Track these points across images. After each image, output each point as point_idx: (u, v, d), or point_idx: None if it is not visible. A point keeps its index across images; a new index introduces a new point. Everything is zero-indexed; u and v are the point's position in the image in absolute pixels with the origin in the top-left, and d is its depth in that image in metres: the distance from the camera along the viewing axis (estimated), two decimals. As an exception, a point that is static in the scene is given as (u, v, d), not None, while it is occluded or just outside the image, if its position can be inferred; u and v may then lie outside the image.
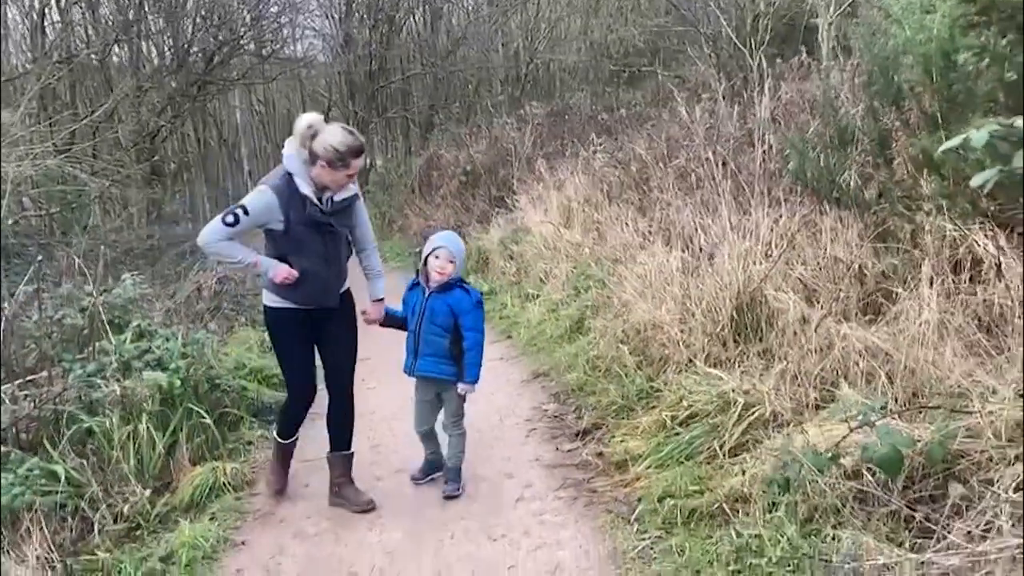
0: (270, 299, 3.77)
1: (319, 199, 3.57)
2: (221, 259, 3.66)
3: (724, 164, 5.73)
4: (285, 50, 19.08)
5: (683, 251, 5.19)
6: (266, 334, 4.38)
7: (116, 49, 13.58)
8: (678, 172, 6.60)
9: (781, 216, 4.56)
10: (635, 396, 4.44)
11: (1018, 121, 1.89)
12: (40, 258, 5.15)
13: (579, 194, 8.15)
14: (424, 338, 3.80)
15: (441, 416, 4.03)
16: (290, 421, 4.06)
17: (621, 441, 4.11)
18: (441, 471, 4.09)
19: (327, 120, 3.63)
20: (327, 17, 19.93)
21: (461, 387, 3.86)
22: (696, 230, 5.20)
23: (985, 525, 2.42)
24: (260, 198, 3.52)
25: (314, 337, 3.87)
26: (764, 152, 5.40)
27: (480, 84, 20.25)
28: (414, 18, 21.06)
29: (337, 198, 3.62)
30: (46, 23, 13.19)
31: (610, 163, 8.38)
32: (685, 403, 3.95)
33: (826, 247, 4.26)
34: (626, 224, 6.42)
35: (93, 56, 12.20)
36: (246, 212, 3.49)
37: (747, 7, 10.46)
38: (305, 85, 27.01)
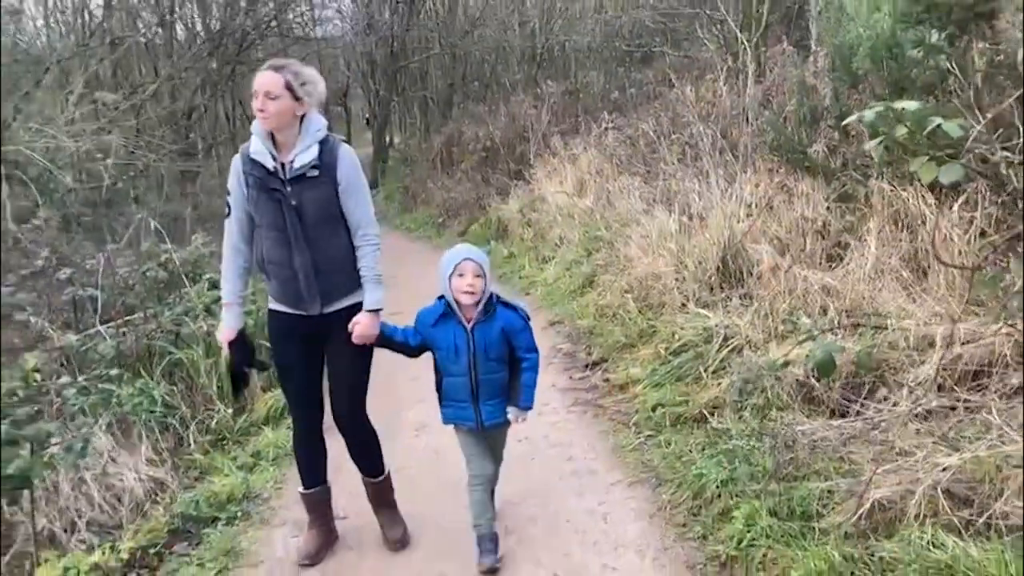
0: (269, 300, 3.28)
1: (282, 163, 3.00)
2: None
3: (724, 137, 6.50)
4: (310, 32, 19.88)
5: (681, 215, 5.97)
6: None
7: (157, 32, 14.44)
8: (680, 146, 7.37)
9: (760, 184, 5.34)
10: (636, 335, 5.25)
11: (898, 104, 2.66)
12: (140, 216, 5.97)
13: (592, 167, 8.93)
14: (483, 379, 3.11)
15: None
16: (298, 460, 3.42)
17: (624, 369, 4.93)
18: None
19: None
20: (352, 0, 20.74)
21: (514, 413, 3.18)
22: (692, 196, 5.98)
23: (891, 406, 3.23)
24: (231, 167, 3.11)
25: (318, 353, 3.24)
26: (753, 129, 6.16)
27: (497, 63, 20.89)
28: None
29: (297, 164, 2.97)
30: (89, 5, 14.04)
31: (620, 139, 9.13)
32: (677, 337, 4.77)
33: (799, 209, 5.04)
34: (633, 193, 7.20)
35: (139, 40, 13.04)
36: (228, 192, 3.11)
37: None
38: (326, 64, 27.89)
